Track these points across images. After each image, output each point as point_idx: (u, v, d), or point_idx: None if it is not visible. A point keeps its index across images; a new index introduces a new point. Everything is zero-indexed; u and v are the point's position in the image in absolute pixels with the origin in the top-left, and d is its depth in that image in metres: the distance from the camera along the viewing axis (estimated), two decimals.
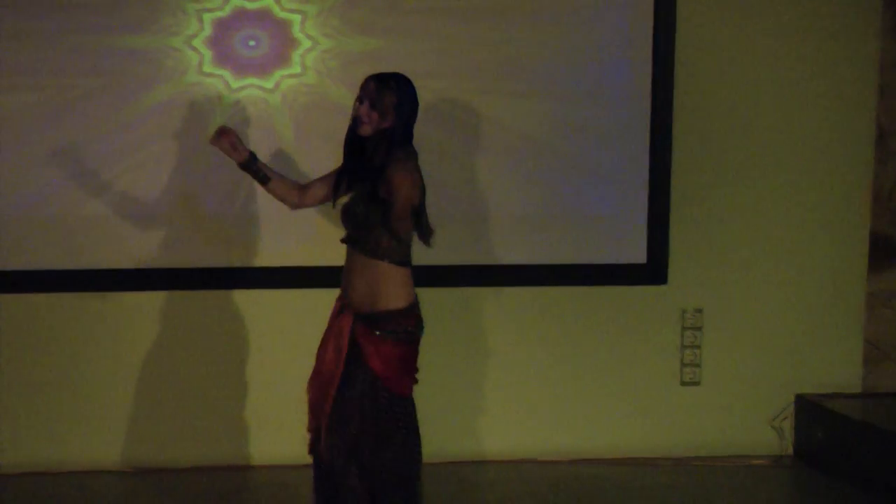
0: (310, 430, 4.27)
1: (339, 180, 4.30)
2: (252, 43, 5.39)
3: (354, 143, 4.24)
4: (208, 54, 5.37)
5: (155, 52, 5.35)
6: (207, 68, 5.37)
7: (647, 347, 5.82)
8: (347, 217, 4.21)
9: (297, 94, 5.44)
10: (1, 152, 5.33)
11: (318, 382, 4.23)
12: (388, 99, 4.16)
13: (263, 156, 5.24)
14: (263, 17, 5.39)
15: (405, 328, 4.18)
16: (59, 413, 5.51)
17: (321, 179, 4.42)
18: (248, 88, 5.41)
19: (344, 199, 4.28)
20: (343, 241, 4.25)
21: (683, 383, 5.84)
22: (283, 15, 5.40)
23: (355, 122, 4.20)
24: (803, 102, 5.82)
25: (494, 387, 5.74)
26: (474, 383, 5.72)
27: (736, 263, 5.85)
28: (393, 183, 4.08)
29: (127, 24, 5.32)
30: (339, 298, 4.28)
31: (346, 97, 5.23)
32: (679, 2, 5.64)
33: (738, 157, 5.81)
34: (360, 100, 4.19)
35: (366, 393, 4.15)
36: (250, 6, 5.38)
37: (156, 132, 5.38)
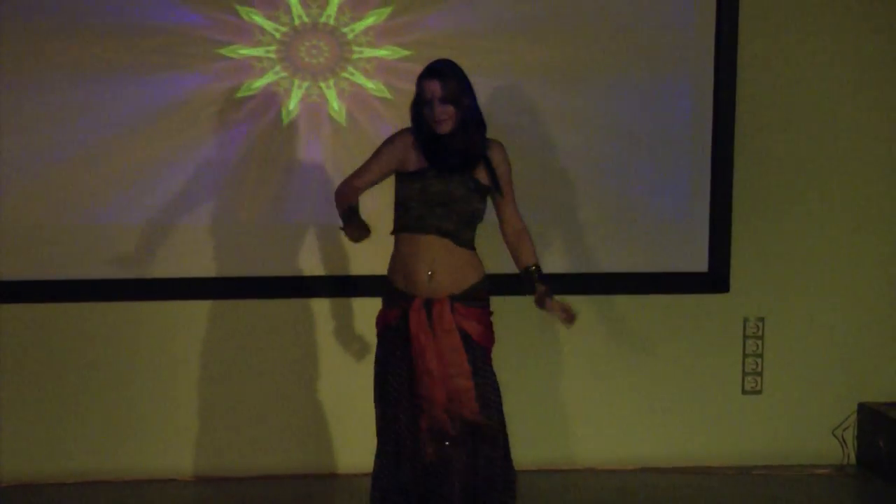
0: (427, 430, 4.23)
1: (428, 171, 4.24)
2: (314, 51, 5.44)
3: (433, 141, 4.24)
4: (276, 62, 5.43)
5: (221, 61, 5.41)
6: (273, 76, 5.43)
7: (709, 356, 5.79)
8: (459, 212, 4.22)
9: (354, 97, 5.47)
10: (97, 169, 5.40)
11: (432, 379, 4.20)
12: (454, 87, 4.18)
13: (322, 156, 5.46)
14: (325, 28, 5.43)
15: (487, 295, 4.33)
16: (123, 419, 5.55)
17: (366, 171, 4.37)
18: (310, 92, 5.45)
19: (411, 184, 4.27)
20: (423, 232, 4.24)
21: (745, 392, 5.81)
22: (342, 27, 5.44)
23: (425, 124, 4.21)
24: (871, 106, 5.76)
25: (553, 396, 5.73)
26: (532, 393, 5.71)
27: (798, 272, 5.81)
28: (506, 163, 4.32)
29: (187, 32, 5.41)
30: (407, 294, 4.25)
31: (399, 100, 5.30)
32: (742, 11, 5.59)
33: (802, 163, 5.77)
34: (427, 104, 4.18)
35: (478, 366, 4.25)
36: (314, 19, 5.43)
37: (212, 138, 5.46)
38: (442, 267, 4.22)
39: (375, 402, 4.34)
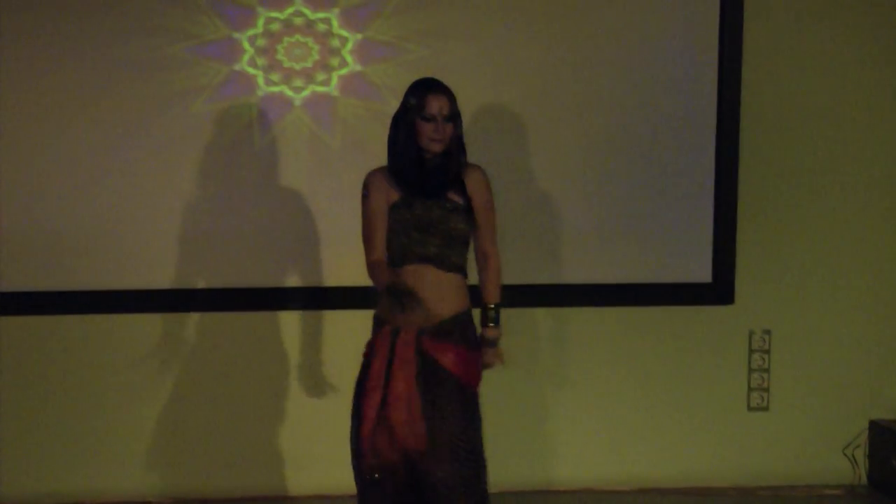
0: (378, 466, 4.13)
1: (404, 200, 4.15)
2: (298, 52, 5.36)
3: (418, 163, 4.15)
4: (259, 63, 5.34)
5: (202, 64, 5.33)
6: (258, 78, 5.36)
7: (713, 371, 5.69)
8: (440, 235, 4.12)
9: (341, 100, 5.38)
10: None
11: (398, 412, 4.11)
12: (454, 106, 4.14)
13: (309, 160, 5.38)
14: (311, 27, 5.35)
15: (472, 330, 4.21)
16: (93, 440, 5.45)
17: (373, 235, 4.21)
18: (296, 94, 5.37)
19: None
20: (407, 262, 4.13)
21: (751, 409, 5.71)
22: (327, 25, 5.36)
23: (412, 141, 4.12)
24: (879, 112, 5.68)
25: (552, 412, 5.63)
26: (530, 408, 5.61)
27: (806, 283, 5.71)
28: (485, 188, 4.22)
29: (163, 33, 5.32)
30: (384, 321, 4.16)
31: (389, 103, 5.18)
32: (746, 15, 5.52)
33: (808, 171, 5.68)
34: (429, 120, 4.09)
35: (454, 400, 4.12)
36: (299, 19, 5.34)
37: (199, 144, 5.37)
38: (427, 295, 4.08)
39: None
